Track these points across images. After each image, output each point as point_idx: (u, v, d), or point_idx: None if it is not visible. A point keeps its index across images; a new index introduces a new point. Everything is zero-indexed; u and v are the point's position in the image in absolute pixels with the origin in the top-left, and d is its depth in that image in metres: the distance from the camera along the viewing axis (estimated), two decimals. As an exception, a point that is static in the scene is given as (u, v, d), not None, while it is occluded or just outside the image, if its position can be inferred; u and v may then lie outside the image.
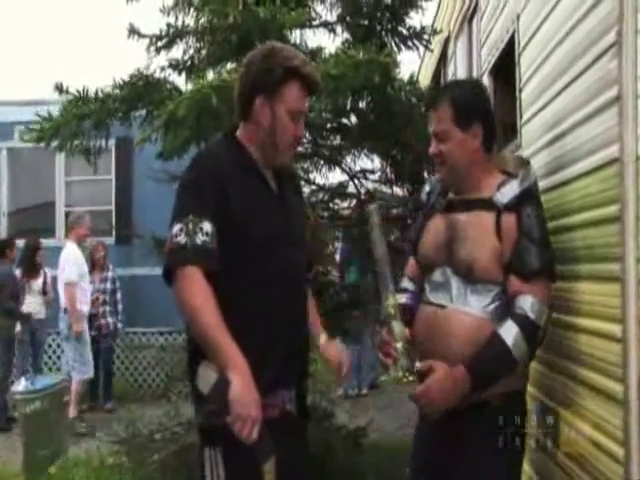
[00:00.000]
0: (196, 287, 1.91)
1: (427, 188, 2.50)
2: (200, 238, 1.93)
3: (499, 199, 2.17)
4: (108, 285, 7.50)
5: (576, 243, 2.34)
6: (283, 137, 2.08)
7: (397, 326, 2.17)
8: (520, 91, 3.10)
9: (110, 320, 7.48)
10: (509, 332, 2.09)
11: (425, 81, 6.30)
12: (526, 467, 2.77)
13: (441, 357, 2.14)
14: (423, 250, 2.37)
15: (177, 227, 1.95)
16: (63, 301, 6.68)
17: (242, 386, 1.83)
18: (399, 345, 2.15)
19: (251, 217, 2.03)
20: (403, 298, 2.42)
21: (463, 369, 2.08)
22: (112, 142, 4.72)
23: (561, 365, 2.47)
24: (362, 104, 4.05)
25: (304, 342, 2.18)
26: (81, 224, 6.89)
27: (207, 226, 1.94)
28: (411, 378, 2.13)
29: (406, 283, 2.51)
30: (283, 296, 2.05)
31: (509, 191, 2.18)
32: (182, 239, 1.93)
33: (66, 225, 8.59)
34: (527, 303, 2.11)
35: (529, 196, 2.19)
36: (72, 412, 6.45)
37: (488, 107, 2.35)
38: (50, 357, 8.45)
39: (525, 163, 2.33)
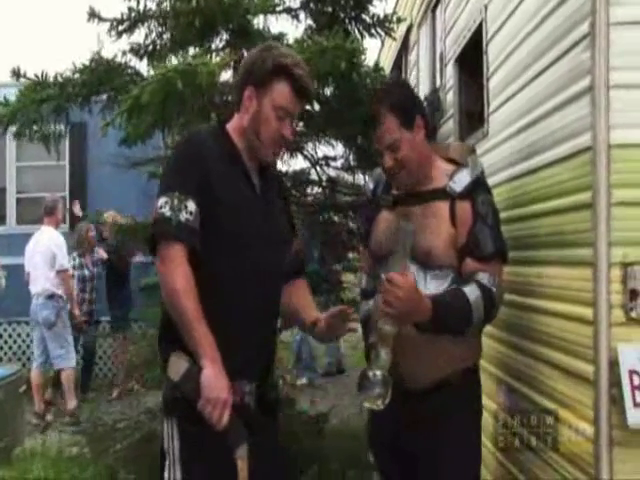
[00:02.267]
0: (178, 271, 1.92)
1: (371, 185, 2.52)
2: (184, 216, 1.94)
3: (453, 188, 2.25)
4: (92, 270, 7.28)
5: (548, 229, 2.41)
6: (266, 130, 2.06)
7: (385, 355, 2.10)
8: (488, 80, 3.15)
9: (94, 307, 7.25)
10: (472, 292, 2.17)
11: (386, 68, 6.31)
12: (496, 451, 2.83)
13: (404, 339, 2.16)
14: (377, 241, 2.40)
15: (162, 200, 1.96)
16: (46, 288, 6.32)
17: (213, 372, 1.87)
18: (378, 372, 2.09)
19: (227, 209, 2.02)
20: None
21: (429, 301, 2.11)
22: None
23: (532, 348, 2.53)
24: (327, 91, 4.03)
25: (272, 339, 2.19)
26: (59, 209, 6.61)
27: (191, 205, 1.95)
28: (387, 402, 2.09)
29: (366, 283, 2.48)
30: (254, 293, 2.04)
31: (462, 180, 2.26)
32: (167, 212, 1.94)
33: (18, 211, 8.40)
34: (486, 278, 2.19)
35: (481, 183, 2.29)
36: (70, 404, 6.22)
37: (417, 95, 2.46)
38: (1, 347, 8.26)
39: (471, 151, 2.41)
